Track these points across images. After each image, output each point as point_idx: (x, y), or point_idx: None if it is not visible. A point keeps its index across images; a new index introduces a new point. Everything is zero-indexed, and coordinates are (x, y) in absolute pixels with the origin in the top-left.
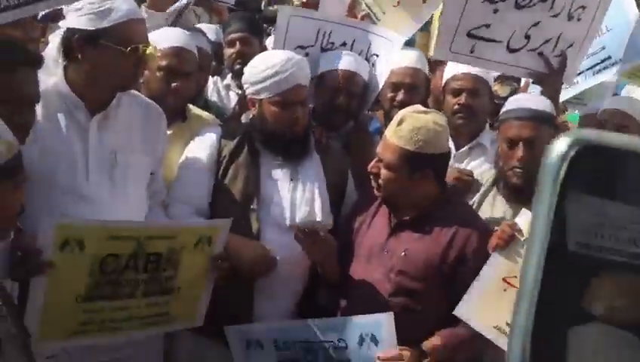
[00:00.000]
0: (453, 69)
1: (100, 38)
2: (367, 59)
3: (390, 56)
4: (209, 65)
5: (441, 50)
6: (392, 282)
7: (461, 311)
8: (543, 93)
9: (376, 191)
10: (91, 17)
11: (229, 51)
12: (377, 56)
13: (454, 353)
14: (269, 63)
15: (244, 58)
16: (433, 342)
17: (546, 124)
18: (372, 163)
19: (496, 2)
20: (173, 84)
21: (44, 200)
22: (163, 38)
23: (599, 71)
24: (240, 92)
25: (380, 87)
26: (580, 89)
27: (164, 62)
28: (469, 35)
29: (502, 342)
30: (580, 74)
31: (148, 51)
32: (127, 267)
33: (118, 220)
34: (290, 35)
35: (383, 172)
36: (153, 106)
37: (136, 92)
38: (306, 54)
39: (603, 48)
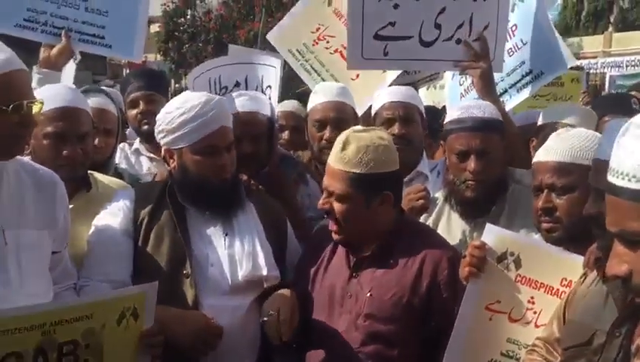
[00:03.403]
0: (382, 99)
1: None
2: (263, 92)
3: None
4: (118, 129)
5: (353, 59)
6: (361, 329)
7: (451, 359)
8: (475, 84)
9: (334, 235)
10: None
11: (132, 112)
12: (270, 87)
13: None
14: (186, 106)
15: (151, 117)
16: None
17: (495, 133)
18: (321, 200)
19: None
20: (64, 152)
21: None
22: (44, 99)
23: (524, 86)
24: (152, 155)
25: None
26: (509, 107)
27: (49, 128)
28: (377, 37)
29: None
30: (504, 93)
31: (35, 109)
32: None
33: (9, 308)
34: None
35: (337, 206)
36: (44, 172)
37: (22, 158)
38: None
39: (523, 63)
